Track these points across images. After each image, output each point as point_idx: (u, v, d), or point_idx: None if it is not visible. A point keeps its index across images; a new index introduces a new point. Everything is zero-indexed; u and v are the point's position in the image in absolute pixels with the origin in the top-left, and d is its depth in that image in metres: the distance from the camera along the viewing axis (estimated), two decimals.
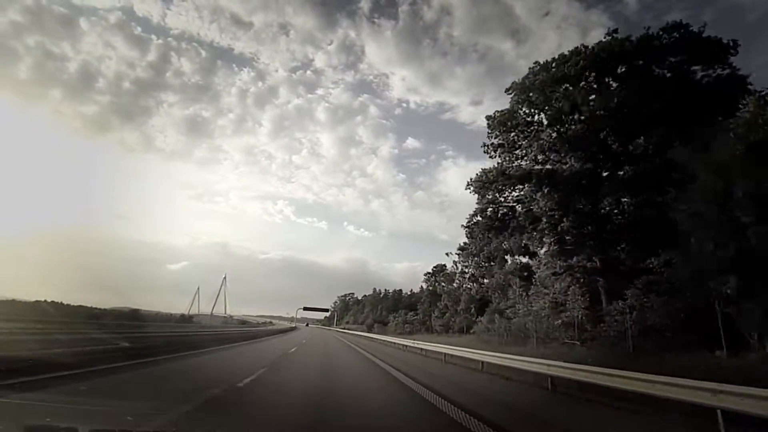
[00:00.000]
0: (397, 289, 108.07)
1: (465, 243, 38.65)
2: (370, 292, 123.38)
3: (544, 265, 23.96)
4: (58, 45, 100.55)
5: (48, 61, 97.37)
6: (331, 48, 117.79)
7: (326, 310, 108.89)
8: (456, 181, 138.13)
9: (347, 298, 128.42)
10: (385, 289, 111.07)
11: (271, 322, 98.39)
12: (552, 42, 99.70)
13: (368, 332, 60.85)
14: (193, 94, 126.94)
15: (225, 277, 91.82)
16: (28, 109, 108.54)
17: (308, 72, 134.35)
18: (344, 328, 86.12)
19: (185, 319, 46.73)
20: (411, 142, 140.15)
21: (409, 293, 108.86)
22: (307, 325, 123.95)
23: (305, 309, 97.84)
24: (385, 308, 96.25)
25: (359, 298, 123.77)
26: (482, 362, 13.79)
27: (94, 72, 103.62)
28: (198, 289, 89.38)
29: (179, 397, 5.91)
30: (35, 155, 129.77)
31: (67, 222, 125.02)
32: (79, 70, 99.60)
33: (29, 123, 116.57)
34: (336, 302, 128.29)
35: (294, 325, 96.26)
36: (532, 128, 23.78)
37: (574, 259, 21.74)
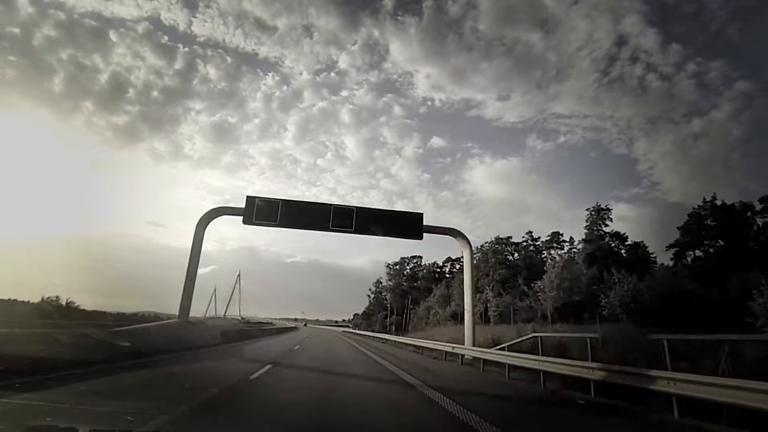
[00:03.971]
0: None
1: None
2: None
3: None
4: (90, 57, 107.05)
5: (80, 74, 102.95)
6: (354, 48, 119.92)
7: None
8: (482, 180, 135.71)
9: (409, 266, 65.74)
10: (530, 234, 48.04)
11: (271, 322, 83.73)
12: (582, 31, 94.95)
13: None
14: (219, 101, 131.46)
15: (239, 275, 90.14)
16: (63, 121, 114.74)
17: (332, 74, 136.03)
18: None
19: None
20: (436, 141, 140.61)
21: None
22: (305, 325, 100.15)
23: None
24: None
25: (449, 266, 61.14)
26: None
27: (123, 82, 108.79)
28: (215, 290, 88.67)
29: None
30: (70, 166, 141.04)
31: (99, 229, 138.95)
32: (110, 81, 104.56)
33: (64, 135, 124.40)
34: (383, 283, 69.25)
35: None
36: None
37: None
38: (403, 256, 65.59)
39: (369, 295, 73.72)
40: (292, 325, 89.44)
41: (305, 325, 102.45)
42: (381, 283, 70.77)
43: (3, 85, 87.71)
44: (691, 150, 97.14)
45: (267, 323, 72.10)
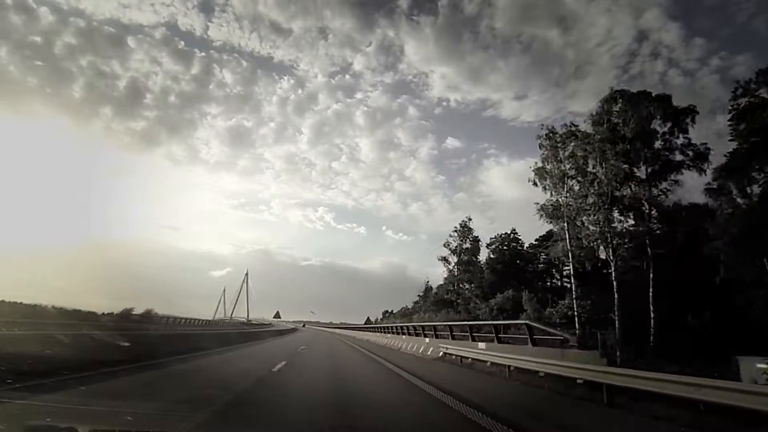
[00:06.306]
0: None
1: None
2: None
3: None
4: (108, 64, 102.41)
5: (99, 80, 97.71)
6: (369, 50, 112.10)
7: None
8: (498, 181, 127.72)
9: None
10: None
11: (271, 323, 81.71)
12: (601, 27, 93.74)
13: None
14: (235, 105, 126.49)
15: (246, 274, 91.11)
16: (83, 127, 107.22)
17: (347, 76, 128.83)
18: None
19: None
20: (451, 142, 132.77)
21: None
22: (303, 326, 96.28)
23: None
24: None
25: None
26: None
27: (141, 88, 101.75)
28: (224, 290, 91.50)
29: None
30: (90, 172, 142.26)
31: (118, 234, 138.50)
32: (128, 87, 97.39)
33: (84, 141, 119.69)
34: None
35: None
36: None
37: None
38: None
39: (444, 259, 42.44)
40: (292, 327, 79.79)
41: (304, 326, 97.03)
42: (470, 228, 40.11)
43: (25, 92, 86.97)
44: (715, 148, 76.90)
45: (251, 325, 65.57)
